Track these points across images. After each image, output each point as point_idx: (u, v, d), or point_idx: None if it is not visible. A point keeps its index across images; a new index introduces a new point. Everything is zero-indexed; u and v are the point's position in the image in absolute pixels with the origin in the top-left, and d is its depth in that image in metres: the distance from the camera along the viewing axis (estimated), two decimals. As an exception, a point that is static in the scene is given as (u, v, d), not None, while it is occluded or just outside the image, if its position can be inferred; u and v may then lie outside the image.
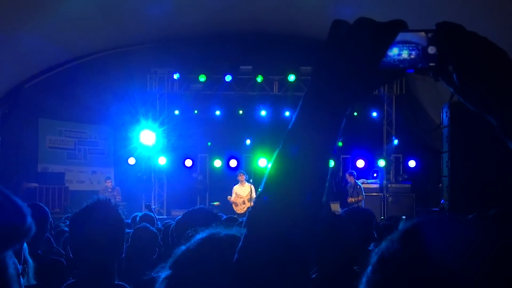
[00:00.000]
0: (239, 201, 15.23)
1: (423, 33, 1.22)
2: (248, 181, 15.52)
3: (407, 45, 1.21)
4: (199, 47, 17.55)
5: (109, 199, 2.80)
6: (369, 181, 16.83)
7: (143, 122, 17.84)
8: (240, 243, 1.21)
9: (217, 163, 18.11)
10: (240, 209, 14.96)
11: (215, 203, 16.18)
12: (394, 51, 1.20)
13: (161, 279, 1.58)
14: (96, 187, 17.75)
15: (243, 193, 15.29)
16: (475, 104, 1.22)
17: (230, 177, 17.30)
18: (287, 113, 18.47)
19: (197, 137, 18.22)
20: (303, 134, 1.19)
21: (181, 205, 15.96)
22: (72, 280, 2.74)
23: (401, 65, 1.21)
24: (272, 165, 1.21)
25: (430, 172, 16.85)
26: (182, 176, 18.23)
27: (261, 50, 17.58)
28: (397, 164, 17.94)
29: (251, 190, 15.27)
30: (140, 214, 8.97)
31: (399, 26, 1.19)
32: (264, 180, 1.22)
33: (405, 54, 1.21)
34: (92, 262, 2.58)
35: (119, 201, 15.70)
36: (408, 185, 16.75)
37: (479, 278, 0.94)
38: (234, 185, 15.69)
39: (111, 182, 16.40)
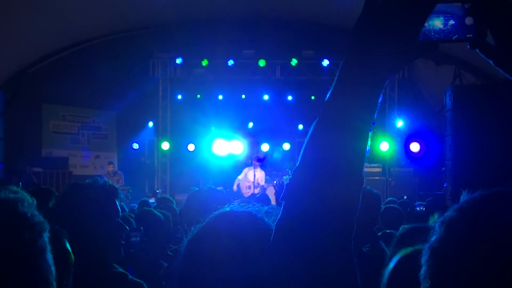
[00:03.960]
0: (246, 184, 15.25)
1: (459, 4, 1.19)
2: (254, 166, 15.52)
3: (444, 15, 1.19)
4: (202, 32, 17.51)
5: (96, 180, 2.79)
6: (371, 164, 16.83)
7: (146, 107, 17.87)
8: (279, 216, 1.22)
9: (220, 147, 18.09)
10: (245, 193, 14.97)
11: (218, 188, 16.23)
12: (430, 22, 1.19)
13: (179, 256, 1.58)
14: (100, 171, 17.80)
15: (251, 177, 15.32)
16: None
17: (233, 162, 17.35)
18: (289, 97, 18.50)
19: (200, 122, 18.23)
20: (341, 107, 1.18)
21: (184, 189, 15.98)
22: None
23: (438, 36, 1.20)
24: (310, 139, 1.22)
25: (433, 155, 16.84)
26: (186, 161, 18.27)
27: (263, 34, 17.52)
28: (399, 148, 17.92)
29: (256, 176, 15.27)
30: (147, 199, 9.03)
31: None
32: (301, 153, 1.22)
33: (441, 25, 1.20)
34: (86, 248, 2.53)
35: (122, 185, 15.77)
36: (410, 169, 16.76)
37: None
38: (244, 167, 15.74)
39: (113, 166, 16.45)
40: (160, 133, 18.60)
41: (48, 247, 1.31)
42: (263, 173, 15.61)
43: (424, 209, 7.59)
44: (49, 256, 1.31)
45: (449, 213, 1.08)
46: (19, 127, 15.72)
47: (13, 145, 15.03)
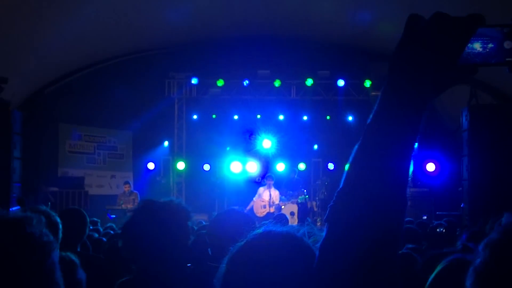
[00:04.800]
0: (260, 204, 15.24)
1: (498, 28, 1.20)
2: (268, 185, 15.54)
3: (482, 39, 1.20)
4: (217, 52, 17.61)
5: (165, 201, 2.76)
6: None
7: (162, 127, 17.95)
8: (323, 238, 1.22)
9: (236, 167, 18.08)
10: (260, 212, 14.95)
11: (235, 208, 16.17)
12: (469, 45, 1.19)
13: (218, 276, 1.57)
14: (115, 191, 17.82)
15: (266, 197, 15.31)
16: None
17: (248, 182, 17.34)
18: (305, 117, 18.48)
19: (216, 142, 18.26)
20: (383, 129, 1.19)
21: (200, 209, 15.98)
22: (126, 278, 2.71)
23: (477, 60, 1.20)
24: (353, 160, 1.23)
25: (449, 175, 16.71)
26: (201, 181, 18.28)
27: (278, 54, 17.60)
28: (415, 168, 17.81)
29: (272, 195, 15.27)
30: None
31: (478, 20, 1.18)
32: (344, 175, 1.23)
33: (480, 49, 1.20)
34: (149, 258, 2.53)
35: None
36: (426, 189, 16.63)
37: None
38: (259, 186, 15.76)
39: (129, 186, 16.46)
40: (176, 153, 18.64)
41: (58, 267, 1.30)
42: (277, 192, 15.62)
43: (444, 230, 7.53)
44: (58, 276, 1.30)
45: (493, 236, 1.09)
46: (36, 146, 15.81)
47: (30, 164, 15.11)
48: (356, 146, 1.23)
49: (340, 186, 1.24)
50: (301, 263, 1.46)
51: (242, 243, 1.59)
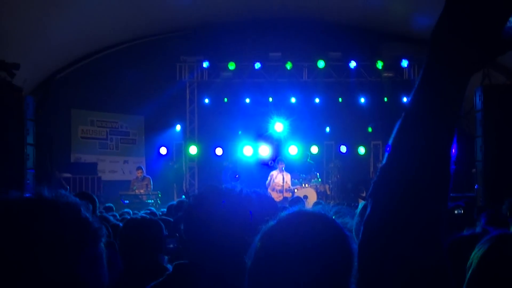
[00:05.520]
0: (276, 189, 15.21)
1: None
2: (280, 169, 15.54)
3: None
4: (228, 35, 17.54)
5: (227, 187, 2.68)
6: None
7: (173, 111, 17.97)
8: (368, 213, 1.24)
9: (248, 150, 18.07)
10: (277, 197, 14.85)
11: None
12: (511, 19, 1.16)
13: (250, 252, 1.62)
14: (128, 176, 17.89)
15: (280, 181, 15.31)
16: None
17: (260, 165, 17.33)
18: (317, 100, 18.40)
19: (228, 125, 18.25)
20: (426, 103, 1.20)
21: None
22: (183, 261, 2.66)
23: None
24: (395, 139, 1.24)
25: (463, 156, 16.61)
26: (213, 165, 18.30)
27: (290, 37, 17.52)
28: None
29: (285, 179, 15.27)
30: (174, 202, 8.98)
31: None
32: (387, 151, 1.25)
33: None
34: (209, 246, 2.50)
35: (151, 190, 15.84)
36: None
37: None
38: (271, 171, 15.75)
39: (142, 171, 16.50)
40: (188, 137, 18.64)
41: (104, 254, 1.33)
42: (289, 175, 15.63)
43: (462, 211, 7.47)
44: (105, 262, 1.34)
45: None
46: (48, 132, 15.86)
47: (43, 150, 15.17)
48: (398, 122, 1.24)
49: (383, 162, 1.25)
50: (332, 243, 1.54)
51: (275, 221, 1.63)
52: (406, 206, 1.18)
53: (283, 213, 1.65)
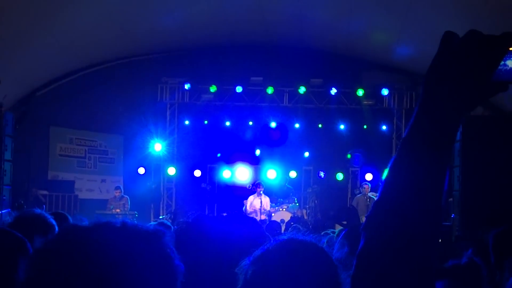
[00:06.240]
0: (252, 210, 15.21)
1: None
2: (258, 193, 15.56)
3: None
4: (210, 58, 17.62)
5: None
6: (376, 193, 16.72)
7: (153, 132, 17.93)
8: (361, 246, 1.27)
9: (227, 173, 18.07)
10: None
11: (224, 215, 16.10)
12: (503, 63, 1.21)
13: (243, 276, 1.63)
14: (106, 195, 17.76)
15: (257, 205, 15.31)
16: None
17: (239, 188, 17.32)
18: (297, 125, 18.47)
19: (207, 148, 18.25)
20: (419, 143, 1.24)
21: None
22: None
23: (510, 77, 1.22)
24: (389, 174, 1.27)
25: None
26: (191, 186, 18.25)
27: (272, 62, 17.63)
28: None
29: (262, 202, 15.30)
30: (154, 223, 8.91)
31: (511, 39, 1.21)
32: (381, 187, 1.28)
33: None
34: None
35: (128, 210, 15.74)
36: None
37: None
38: (249, 195, 15.75)
39: (120, 191, 16.42)
40: (167, 158, 18.58)
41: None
42: (267, 198, 15.68)
43: (440, 240, 7.54)
44: None
45: None
46: (27, 149, 15.77)
47: (20, 167, 15.06)
48: (392, 159, 1.28)
49: (377, 197, 1.29)
50: (324, 273, 1.57)
51: (266, 247, 1.66)
52: (401, 241, 1.21)
53: (275, 240, 1.67)
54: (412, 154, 1.24)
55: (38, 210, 4.13)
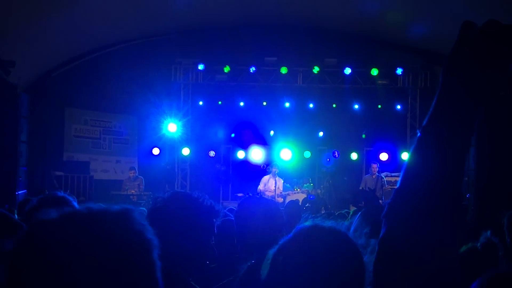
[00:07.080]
0: (268, 195, 15.19)
1: None
2: (273, 173, 15.56)
3: None
4: (224, 38, 17.57)
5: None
6: (393, 174, 16.70)
7: (167, 112, 17.96)
8: (383, 233, 1.30)
9: (241, 154, 18.10)
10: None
11: (239, 195, 16.19)
12: None
13: (264, 265, 1.65)
14: (120, 176, 17.87)
15: (272, 186, 15.31)
16: None
17: (253, 168, 17.36)
18: (311, 105, 18.43)
19: (221, 128, 18.27)
20: (440, 130, 1.26)
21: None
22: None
23: None
24: (410, 162, 1.29)
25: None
26: (206, 167, 18.30)
27: (286, 42, 17.55)
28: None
29: (277, 183, 15.29)
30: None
31: None
32: (402, 174, 1.30)
33: None
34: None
35: (142, 190, 15.83)
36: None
37: None
38: (264, 175, 15.76)
39: (134, 172, 16.51)
40: (181, 138, 18.61)
41: (159, 267, 1.31)
42: (282, 180, 15.65)
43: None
44: (159, 276, 1.31)
45: None
46: (42, 130, 15.84)
47: (35, 148, 15.15)
48: (413, 147, 1.30)
49: (398, 185, 1.31)
50: (348, 259, 1.58)
51: (290, 235, 1.67)
52: (424, 229, 1.23)
53: (299, 227, 1.69)
54: (434, 142, 1.25)
55: (61, 193, 4.17)
